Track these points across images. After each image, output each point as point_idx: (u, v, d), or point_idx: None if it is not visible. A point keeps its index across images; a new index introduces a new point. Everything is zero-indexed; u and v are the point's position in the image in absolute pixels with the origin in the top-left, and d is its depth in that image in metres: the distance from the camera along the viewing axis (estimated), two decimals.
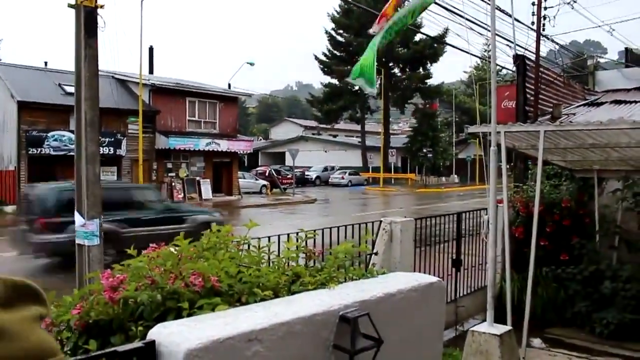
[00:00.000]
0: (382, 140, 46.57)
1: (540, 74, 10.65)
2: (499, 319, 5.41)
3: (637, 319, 6.91)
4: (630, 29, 21.90)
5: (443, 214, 7.86)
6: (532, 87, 10.42)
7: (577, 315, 7.46)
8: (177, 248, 2.57)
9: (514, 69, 11.17)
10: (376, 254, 6.03)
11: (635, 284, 7.07)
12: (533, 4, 13.97)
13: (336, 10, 49.80)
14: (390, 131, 56.34)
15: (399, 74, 51.79)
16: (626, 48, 19.54)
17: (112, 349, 1.77)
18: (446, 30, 39.35)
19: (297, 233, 3.11)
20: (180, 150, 28.84)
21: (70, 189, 12.80)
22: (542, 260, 7.61)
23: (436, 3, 12.40)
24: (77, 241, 7.08)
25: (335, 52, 50.60)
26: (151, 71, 34.88)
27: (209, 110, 31.03)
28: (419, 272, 6.17)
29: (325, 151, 56.46)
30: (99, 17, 7.07)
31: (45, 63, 31.39)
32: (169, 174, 28.66)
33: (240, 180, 33.12)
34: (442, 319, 3.00)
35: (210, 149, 29.72)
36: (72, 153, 7.95)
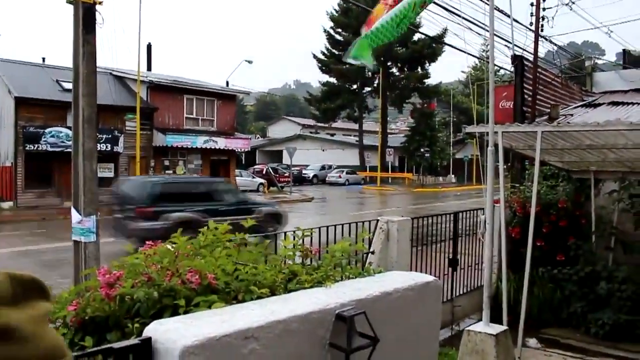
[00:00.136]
0: (380, 139, 46.54)
1: (538, 74, 10.66)
2: (495, 318, 5.42)
3: (632, 320, 6.94)
4: (628, 31, 21.95)
5: (440, 214, 7.86)
6: (530, 87, 10.43)
7: (573, 316, 7.48)
8: (173, 245, 2.57)
9: (512, 69, 11.19)
10: (373, 253, 6.03)
11: (631, 285, 7.09)
12: (532, 4, 13.97)
13: (335, 9, 49.74)
14: (388, 130, 56.32)
15: (397, 74, 51.77)
16: (624, 50, 19.60)
17: (108, 345, 1.77)
18: (445, 30, 39.36)
19: (294, 231, 3.11)
20: (177, 148, 28.79)
21: (162, 181, 14.94)
22: (539, 261, 7.63)
23: (435, 3, 12.39)
24: (73, 238, 7.07)
25: (333, 50, 50.50)
26: (149, 68, 34.78)
27: (206, 107, 30.97)
28: (416, 271, 6.18)
29: (323, 150, 56.43)
30: (97, 13, 7.05)
31: (43, 59, 31.22)
32: (166, 171, 28.60)
33: (237, 178, 33.07)
34: (438, 318, 3.01)
35: (208, 147, 29.68)
36: (69, 149, 7.92)
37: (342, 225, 5.53)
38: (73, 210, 7.07)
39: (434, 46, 47.19)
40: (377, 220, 6.42)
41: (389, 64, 49.68)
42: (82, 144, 6.99)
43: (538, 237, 7.46)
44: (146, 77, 28.41)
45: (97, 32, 7.08)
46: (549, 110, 8.98)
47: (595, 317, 7.13)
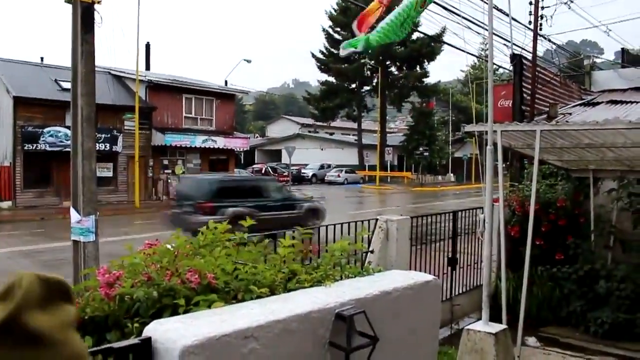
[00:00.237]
0: (379, 138, 46.52)
1: (537, 73, 10.67)
2: (494, 317, 5.43)
3: (631, 319, 6.95)
4: (627, 30, 21.90)
5: (439, 213, 7.86)
6: (529, 86, 10.43)
7: (572, 315, 7.49)
8: (173, 245, 2.57)
9: (511, 68, 11.20)
10: (372, 252, 6.03)
11: (630, 283, 7.10)
12: (530, 3, 13.96)
13: (334, 8, 49.71)
14: (387, 129, 56.29)
15: (396, 73, 51.72)
16: (623, 48, 19.63)
17: (108, 345, 1.76)
18: (444, 29, 39.34)
19: (293, 230, 3.11)
20: (176, 147, 28.78)
21: (219, 180, 16.18)
22: (538, 260, 7.64)
23: (434, 2, 12.38)
24: (72, 237, 7.06)
25: (332, 49, 50.41)
26: (148, 68, 34.74)
27: (205, 107, 30.95)
28: (415, 270, 6.18)
29: (322, 149, 56.39)
30: (96, 12, 7.04)
31: (42, 58, 31.20)
32: (165, 171, 28.59)
33: None
34: (438, 317, 3.01)
35: (207, 146, 29.67)
36: (68, 149, 7.91)
37: (342, 224, 5.53)
38: (72, 210, 7.06)
39: (433, 45, 47.16)
40: (376, 220, 6.42)
41: (387, 62, 49.66)
42: (81, 144, 6.97)
43: (537, 236, 7.47)
44: (145, 76, 28.38)
45: (96, 31, 7.06)
46: (547, 109, 8.97)
47: (595, 315, 7.14)
